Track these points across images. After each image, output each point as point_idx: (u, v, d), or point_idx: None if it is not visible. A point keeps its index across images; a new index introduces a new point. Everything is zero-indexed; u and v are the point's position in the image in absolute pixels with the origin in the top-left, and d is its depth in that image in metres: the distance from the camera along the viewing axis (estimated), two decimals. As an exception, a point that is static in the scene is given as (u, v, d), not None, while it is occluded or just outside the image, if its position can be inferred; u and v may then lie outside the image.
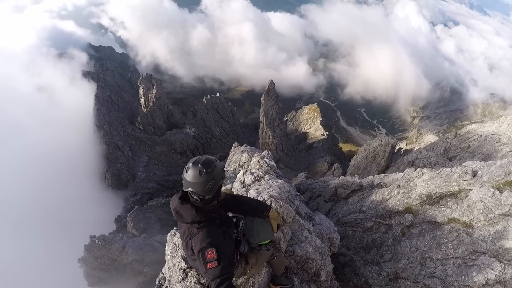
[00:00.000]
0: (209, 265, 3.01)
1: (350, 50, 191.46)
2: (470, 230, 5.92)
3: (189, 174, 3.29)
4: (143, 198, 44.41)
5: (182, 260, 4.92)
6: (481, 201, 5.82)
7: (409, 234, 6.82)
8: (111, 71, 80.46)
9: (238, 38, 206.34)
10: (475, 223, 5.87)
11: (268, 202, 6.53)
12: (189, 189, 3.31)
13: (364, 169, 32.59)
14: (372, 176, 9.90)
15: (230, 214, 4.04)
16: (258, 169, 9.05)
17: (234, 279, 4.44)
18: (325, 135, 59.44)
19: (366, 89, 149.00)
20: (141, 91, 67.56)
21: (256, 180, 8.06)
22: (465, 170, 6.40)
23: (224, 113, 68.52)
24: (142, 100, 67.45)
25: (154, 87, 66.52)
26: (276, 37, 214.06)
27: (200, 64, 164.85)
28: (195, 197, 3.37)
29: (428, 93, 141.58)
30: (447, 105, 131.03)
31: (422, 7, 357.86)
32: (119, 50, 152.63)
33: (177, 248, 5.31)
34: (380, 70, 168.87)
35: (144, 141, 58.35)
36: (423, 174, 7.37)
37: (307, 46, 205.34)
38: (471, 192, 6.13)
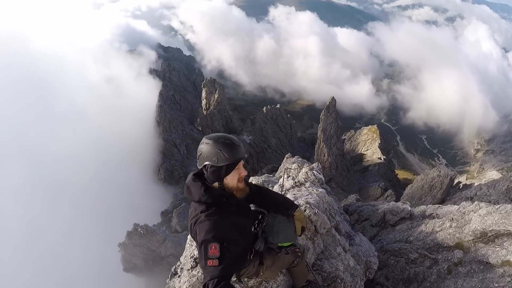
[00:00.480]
0: (209, 262, 2.81)
1: (416, 73, 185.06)
2: (527, 277, 5.25)
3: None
4: (192, 196, 45.56)
5: (196, 249, 4.54)
6: (544, 244, 5.22)
7: (456, 273, 6.23)
8: (177, 71, 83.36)
9: (303, 51, 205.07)
10: (534, 269, 5.21)
11: (302, 208, 6.20)
12: None
13: (418, 199, 31.30)
14: (425, 206, 9.16)
15: (252, 207, 3.72)
16: (304, 179, 8.43)
17: (246, 279, 4.31)
18: (382, 159, 57.86)
19: (429, 115, 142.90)
20: (203, 94, 69.12)
21: (296, 185, 7.70)
22: (530, 209, 5.75)
23: (283, 124, 68.45)
24: (203, 102, 69.09)
25: (217, 91, 67.95)
26: (341, 53, 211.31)
27: (263, 73, 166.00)
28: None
29: (495, 125, 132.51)
30: None
31: (495, 31, 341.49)
32: (186, 52, 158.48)
33: None
34: (446, 96, 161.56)
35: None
36: (480, 208, 6.82)
37: (372, 65, 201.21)
38: (534, 234, 5.52)
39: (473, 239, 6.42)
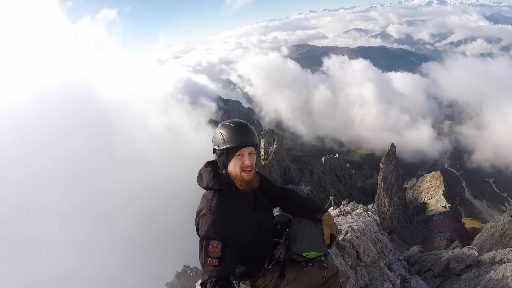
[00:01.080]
0: (209, 261, 2.71)
1: (478, 111, 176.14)
2: None
3: None
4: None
5: None
6: None
7: None
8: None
9: (359, 99, 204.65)
10: None
11: (344, 232, 5.99)
12: None
13: (488, 250, 28.84)
14: (494, 252, 8.17)
15: (276, 212, 3.51)
16: (350, 209, 8.17)
17: None
18: (447, 207, 55.20)
19: (496, 155, 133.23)
20: (262, 144, 70.37)
21: (341, 214, 7.55)
22: None
23: (342, 174, 67.79)
24: (262, 153, 70.28)
25: (275, 141, 69.36)
26: (398, 98, 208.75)
27: (320, 123, 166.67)
28: None
29: None
30: None
31: None
32: (245, 104, 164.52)
33: None
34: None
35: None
36: None
37: (431, 108, 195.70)
38: None
39: None
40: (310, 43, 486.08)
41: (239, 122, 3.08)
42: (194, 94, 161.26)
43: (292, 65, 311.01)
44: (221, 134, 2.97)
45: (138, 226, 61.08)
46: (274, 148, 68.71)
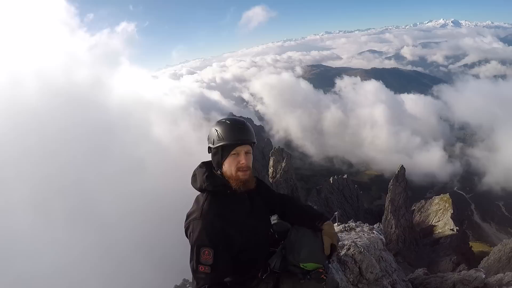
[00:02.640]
0: (201, 268, 2.62)
1: (489, 133, 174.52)
2: None
3: None
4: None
5: None
6: None
7: None
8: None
9: (370, 121, 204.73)
10: None
11: (346, 247, 5.77)
12: None
13: (495, 273, 28.08)
14: (502, 274, 8.13)
15: (274, 220, 3.43)
16: (355, 226, 7.95)
17: None
18: (455, 230, 54.30)
19: (507, 178, 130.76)
20: (271, 162, 70.11)
21: (345, 230, 7.36)
22: None
23: (349, 195, 67.67)
24: (270, 170, 69.70)
25: (284, 160, 68.70)
26: (410, 120, 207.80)
27: (330, 144, 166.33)
28: None
29: None
30: None
31: None
32: (257, 122, 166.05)
33: None
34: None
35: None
36: None
37: (442, 130, 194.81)
38: None
39: None
40: (324, 63, 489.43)
41: (235, 119, 2.97)
42: (206, 110, 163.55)
43: (304, 85, 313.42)
44: (216, 131, 2.87)
45: (136, 237, 61.04)
46: (282, 167, 68.05)
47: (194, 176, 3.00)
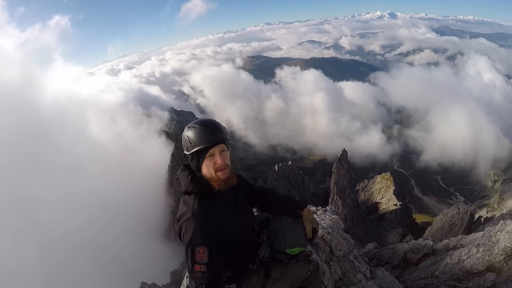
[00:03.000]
0: (197, 267, 2.61)
1: (424, 115, 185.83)
2: None
3: None
4: (205, 257, 44.88)
5: None
6: None
7: None
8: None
9: (311, 108, 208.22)
10: None
11: None
12: None
13: (440, 240, 30.49)
14: (447, 240, 8.95)
15: (254, 212, 3.46)
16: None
17: None
18: (398, 205, 56.94)
19: (443, 155, 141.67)
20: None
21: None
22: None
23: (295, 181, 68.11)
24: None
25: (228, 151, 67.81)
26: (349, 106, 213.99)
27: (273, 133, 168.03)
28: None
29: (510, 153, 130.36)
30: None
31: (495, 60, 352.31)
32: (199, 115, 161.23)
33: None
34: (456, 133, 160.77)
35: (214, 202, 60.04)
36: (506, 225, 6.50)
37: (380, 114, 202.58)
38: None
39: (505, 258, 6.14)
40: (264, 54, 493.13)
41: (203, 121, 2.97)
42: (146, 105, 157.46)
43: (245, 76, 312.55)
44: (187, 137, 2.87)
45: (77, 240, 57.07)
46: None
47: (177, 179, 3.05)
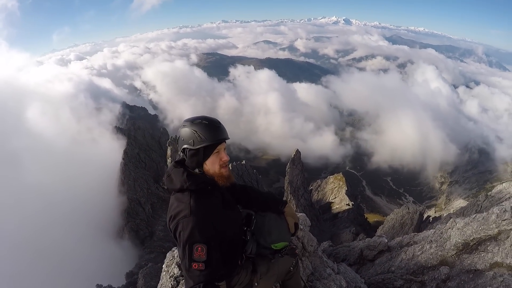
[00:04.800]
0: (195, 266, 2.56)
1: (375, 118, 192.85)
2: (517, 271, 5.18)
3: None
4: (159, 257, 43.15)
5: (177, 267, 4.42)
6: (526, 237, 5.20)
7: None
8: (142, 130, 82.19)
9: (264, 108, 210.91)
10: (521, 263, 5.16)
11: None
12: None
13: (392, 238, 31.43)
14: (400, 237, 9.20)
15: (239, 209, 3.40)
16: None
17: None
18: (351, 205, 57.98)
19: (393, 157, 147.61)
20: (168, 152, 67.34)
21: None
22: (503, 209, 5.86)
23: (249, 180, 66.61)
24: (168, 160, 66.97)
25: None
26: (303, 107, 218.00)
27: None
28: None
29: (456, 157, 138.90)
30: (476, 167, 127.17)
31: (442, 70, 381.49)
32: (152, 111, 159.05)
33: (174, 259, 4.79)
34: (405, 136, 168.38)
35: (167, 200, 57.76)
36: (456, 223, 6.69)
37: (333, 116, 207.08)
38: (512, 230, 5.50)
39: (456, 252, 6.40)
40: (220, 52, 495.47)
41: (210, 118, 2.95)
42: (97, 98, 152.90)
43: (198, 73, 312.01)
44: (195, 132, 2.83)
45: (44, 248, 53.25)
46: (181, 156, 65.64)
47: (169, 176, 3.00)
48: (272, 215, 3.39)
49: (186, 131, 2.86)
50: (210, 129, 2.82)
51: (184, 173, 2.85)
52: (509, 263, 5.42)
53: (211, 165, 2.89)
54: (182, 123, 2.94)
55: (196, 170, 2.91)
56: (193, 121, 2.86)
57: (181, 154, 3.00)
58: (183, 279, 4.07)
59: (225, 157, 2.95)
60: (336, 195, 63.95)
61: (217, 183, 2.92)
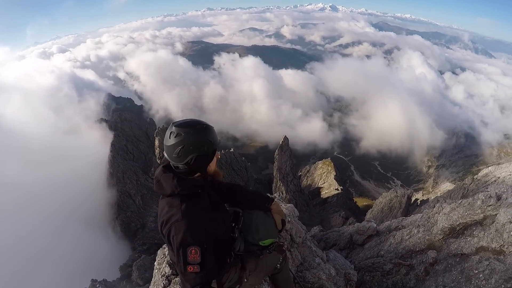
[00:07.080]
0: (190, 268, 2.58)
1: (362, 104, 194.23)
2: (502, 256, 5.35)
3: (165, 135, 2.90)
4: (151, 248, 43.18)
5: (168, 266, 4.39)
6: (510, 222, 5.33)
7: (434, 272, 6.21)
8: (129, 121, 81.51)
9: (250, 96, 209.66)
10: (506, 248, 5.31)
11: None
12: (164, 153, 2.96)
13: (380, 222, 31.92)
14: (389, 222, 9.27)
15: (227, 208, 3.46)
16: None
17: None
18: (339, 189, 58.47)
19: (380, 142, 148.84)
20: (156, 143, 67.13)
21: None
22: (489, 195, 5.92)
23: (238, 168, 67.18)
24: (157, 151, 66.77)
25: None
26: (290, 94, 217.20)
27: (212, 120, 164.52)
28: (171, 162, 2.94)
29: (443, 141, 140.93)
30: (462, 151, 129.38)
31: (429, 56, 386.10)
32: (138, 102, 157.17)
33: (165, 257, 4.72)
34: (392, 121, 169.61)
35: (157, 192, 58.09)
36: (443, 208, 6.81)
37: (320, 102, 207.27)
38: (497, 215, 5.62)
39: (443, 237, 6.51)
40: (205, 40, 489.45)
41: (201, 120, 2.97)
42: (81, 91, 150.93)
43: (182, 62, 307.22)
44: (206, 137, 2.85)
45: (39, 243, 52.42)
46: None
47: (158, 182, 2.98)
48: (260, 213, 3.46)
49: (194, 139, 2.78)
50: (213, 131, 2.89)
51: (174, 178, 2.85)
52: (495, 247, 5.49)
53: (213, 165, 3.01)
54: (177, 130, 2.79)
55: (181, 166, 2.87)
56: (194, 127, 2.82)
57: (182, 166, 2.87)
58: (174, 278, 4.17)
59: (218, 155, 3.03)
60: (325, 180, 64.47)
61: (205, 185, 2.96)
